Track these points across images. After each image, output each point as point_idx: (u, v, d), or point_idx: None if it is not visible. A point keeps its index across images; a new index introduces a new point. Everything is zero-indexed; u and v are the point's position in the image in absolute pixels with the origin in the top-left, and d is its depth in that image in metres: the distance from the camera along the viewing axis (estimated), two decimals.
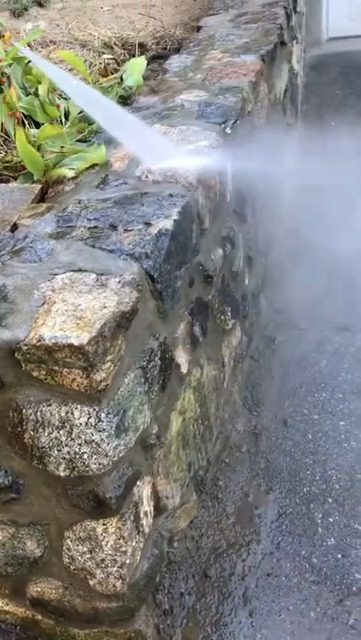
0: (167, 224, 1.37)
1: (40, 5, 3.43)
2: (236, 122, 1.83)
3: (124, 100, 2.05)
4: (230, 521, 1.71)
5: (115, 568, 1.25)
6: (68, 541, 1.27)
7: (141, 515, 1.33)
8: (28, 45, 2.36)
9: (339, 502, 1.73)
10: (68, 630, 1.41)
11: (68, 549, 1.28)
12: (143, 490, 1.33)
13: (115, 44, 2.52)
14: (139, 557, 1.32)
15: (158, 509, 1.46)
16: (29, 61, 1.91)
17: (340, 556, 1.59)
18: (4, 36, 2.00)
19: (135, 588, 1.33)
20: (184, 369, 1.50)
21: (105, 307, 1.12)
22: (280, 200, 2.74)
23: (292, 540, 1.64)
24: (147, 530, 1.36)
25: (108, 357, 1.10)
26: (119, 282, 1.20)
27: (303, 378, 2.19)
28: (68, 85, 1.65)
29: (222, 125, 1.77)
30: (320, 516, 1.70)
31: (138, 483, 1.30)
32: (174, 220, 1.39)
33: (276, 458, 1.89)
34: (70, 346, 1.04)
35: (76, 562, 1.29)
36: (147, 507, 1.36)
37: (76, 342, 1.04)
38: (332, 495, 1.75)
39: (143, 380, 1.25)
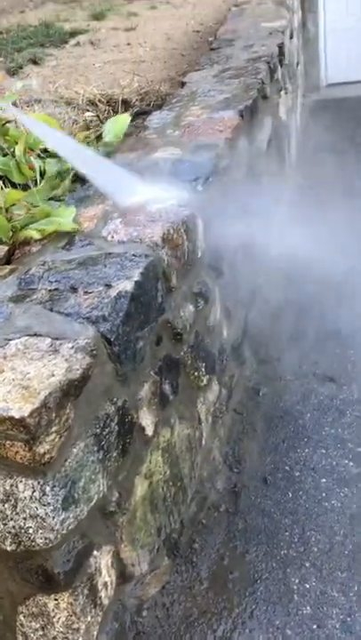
0: (127, 285, 1.36)
1: (35, 63, 3.53)
2: (208, 179, 1.84)
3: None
4: (204, 586, 1.65)
5: None
6: (22, 617, 1.23)
7: (99, 586, 1.28)
8: (14, 104, 2.42)
9: (316, 567, 1.66)
10: None
11: (21, 625, 1.24)
12: (102, 560, 1.29)
13: (99, 100, 2.58)
14: (95, 633, 1.26)
15: (123, 578, 1.41)
16: (5, 122, 1.95)
17: (315, 626, 1.52)
18: None
19: None
20: (149, 431, 1.47)
21: (53, 375, 1.11)
22: (263, 253, 2.74)
23: (266, 609, 1.58)
24: (106, 602, 1.31)
25: (53, 429, 1.07)
26: (72, 347, 1.19)
27: (286, 432, 2.15)
28: (50, 138, 1.73)
29: (193, 183, 1.79)
30: (296, 581, 1.63)
31: (94, 553, 1.26)
32: (135, 282, 1.38)
33: (254, 518, 1.84)
34: (11, 418, 1.02)
35: (29, 639, 1.24)
36: (107, 577, 1.31)
37: (17, 415, 1.02)
38: (310, 559, 1.68)
39: (97, 448, 1.22)
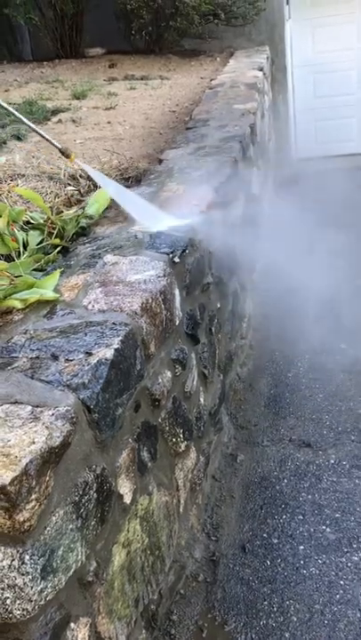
0: (107, 353, 1.41)
1: (18, 139, 3.68)
2: (184, 251, 1.93)
3: (83, 231, 2.16)
4: None
5: None
6: None
7: None
8: None
9: (296, 637, 1.64)
10: None
11: None
12: (79, 633, 1.27)
13: (80, 175, 2.70)
14: None
15: None
16: None
17: None
18: None
19: None
20: (127, 499, 1.48)
21: (34, 442, 1.13)
22: (237, 319, 2.82)
23: None
24: None
25: (33, 496, 1.09)
26: (53, 414, 1.21)
27: (264, 499, 2.15)
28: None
29: (170, 255, 1.87)
30: None
31: (71, 626, 1.24)
32: (115, 349, 1.43)
33: (233, 587, 1.82)
34: None
35: None
36: None
37: None
38: (290, 629, 1.67)
39: (75, 516, 1.23)
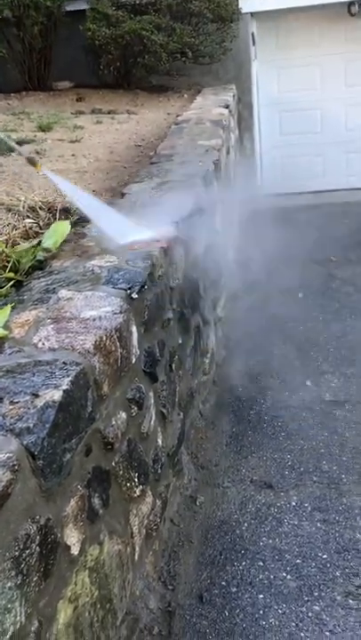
0: (55, 395, 1.33)
1: None
2: (143, 287, 1.88)
3: (40, 264, 2.10)
4: None
5: None
6: None
7: None
8: None
9: None
10: None
11: None
12: None
13: (40, 207, 2.65)
14: None
15: None
16: None
17: None
18: None
19: None
20: (75, 550, 1.39)
21: None
22: (203, 351, 2.78)
23: None
24: None
25: None
26: None
27: (223, 543, 2.08)
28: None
29: (128, 291, 1.82)
30: None
31: None
32: (64, 390, 1.36)
33: None
34: None
35: None
36: None
37: None
38: None
39: (15, 572, 1.13)
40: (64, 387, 1.37)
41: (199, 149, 3.61)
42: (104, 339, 1.60)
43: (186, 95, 6.29)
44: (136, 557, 1.81)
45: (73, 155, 3.87)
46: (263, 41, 6.78)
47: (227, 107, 5.15)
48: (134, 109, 5.61)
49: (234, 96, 6.08)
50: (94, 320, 1.65)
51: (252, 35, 6.67)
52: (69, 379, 1.40)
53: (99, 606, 1.53)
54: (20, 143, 4.19)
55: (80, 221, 2.58)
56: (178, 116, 5.05)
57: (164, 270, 2.15)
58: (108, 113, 5.38)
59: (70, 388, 1.38)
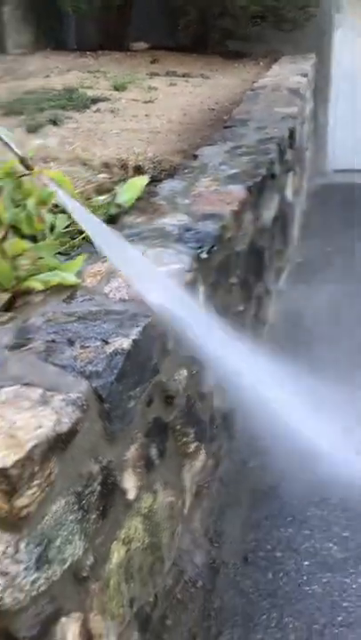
0: (124, 343, 1.36)
1: (55, 124, 3.66)
2: (212, 248, 1.87)
3: (112, 219, 2.12)
4: None
5: None
6: None
7: None
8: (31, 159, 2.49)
9: None
10: None
11: None
12: (69, 629, 1.22)
13: (114, 164, 2.66)
14: None
15: None
16: (21, 176, 2.00)
17: None
18: None
19: None
20: (131, 495, 1.43)
21: (41, 426, 1.09)
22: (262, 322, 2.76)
23: None
24: None
25: (35, 482, 1.04)
26: (63, 400, 1.17)
27: (271, 509, 2.09)
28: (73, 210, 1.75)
29: (198, 250, 1.82)
30: None
31: (62, 620, 1.19)
32: (133, 340, 1.38)
33: (231, 597, 1.76)
34: None
35: None
36: None
37: None
38: None
39: (77, 507, 1.18)
40: (133, 336, 1.39)
41: (275, 116, 3.53)
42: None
43: (262, 62, 6.14)
44: (185, 512, 1.85)
45: (146, 115, 3.86)
46: (349, 9, 6.51)
47: (305, 76, 5.01)
48: (209, 74, 5.52)
49: (313, 66, 5.89)
50: (164, 275, 1.67)
51: (337, 2, 6.42)
52: (138, 329, 1.42)
53: (148, 553, 1.57)
54: (94, 100, 4.21)
55: (152, 181, 2.58)
56: (254, 82, 4.94)
57: (232, 234, 2.14)
58: (183, 76, 5.32)
59: (139, 339, 1.40)
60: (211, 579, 1.82)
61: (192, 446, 1.82)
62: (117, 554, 1.40)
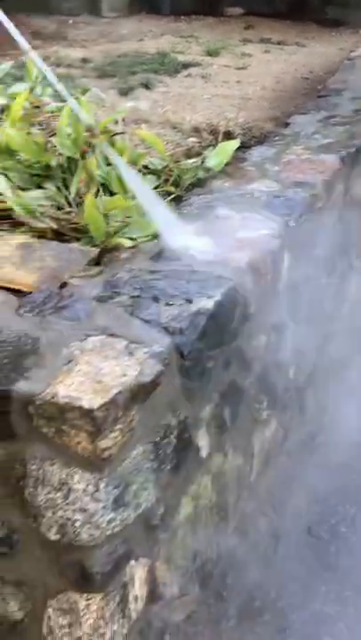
0: (208, 304, 1.38)
1: (146, 87, 3.67)
2: (301, 216, 1.84)
3: (200, 182, 2.12)
4: (231, 624, 1.60)
5: None
6: (50, 610, 1.23)
7: (130, 598, 1.26)
8: (123, 121, 2.52)
9: (350, 629, 1.58)
10: None
11: (48, 618, 1.23)
12: (136, 572, 1.28)
13: (203, 129, 2.65)
14: None
15: (152, 596, 1.39)
16: (114, 135, 2.03)
17: None
18: None
19: None
20: (204, 453, 1.46)
21: (125, 375, 1.13)
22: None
23: None
24: (134, 615, 1.29)
25: (118, 426, 1.08)
26: (146, 352, 1.20)
27: (337, 486, 2.08)
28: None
29: (286, 217, 1.79)
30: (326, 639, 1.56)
31: (131, 563, 1.25)
32: (216, 301, 1.39)
33: (292, 566, 1.78)
34: (80, 408, 1.04)
35: (54, 634, 1.23)
36: (137, 591, 1.30)
37: (86, 405, 1.04)
38: (344, 620, 1.61)
39: (153, 456, 1.22)
40: (216, 298, 1.40)
41: None
42: (257, 260, 1.60)
43: None
44: (252, 477, 1.86)
45: (238, 82, 3.79)
46: None
47: None
48: (304, 42, 5.34)
49: None
50: (250, 241, 1.66)
51: None
52: (222, 291, 1.43)
53: (215, 511, 1.61)
54: (186, 65, 4.18)
55: (241, 147, 2.55)
56: (351, 51, 4.75)
57: (323, 204, 2.09)
58: (278, 43, 5.17)
59: (222, 300, 1.41)
60: (273, 545, 1.84)
61: (264, 414, 1.83)
62: (186, 508, 1.44)
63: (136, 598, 1.29)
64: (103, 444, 1.06)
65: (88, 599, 1.17)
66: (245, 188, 1.99)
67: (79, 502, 1.08)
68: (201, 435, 1.43)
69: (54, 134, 2.17)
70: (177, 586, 1.48)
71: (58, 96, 2.54)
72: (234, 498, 1.72)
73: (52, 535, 1.12)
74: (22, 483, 1.15)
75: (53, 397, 1.06)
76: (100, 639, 1.18)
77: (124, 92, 3.52)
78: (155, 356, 1.20)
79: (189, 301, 1.38)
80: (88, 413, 1.03)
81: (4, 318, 1.31)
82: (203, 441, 1.45)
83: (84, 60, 4.25)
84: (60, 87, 1.96)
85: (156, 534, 1.33)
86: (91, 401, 1.04)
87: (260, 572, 1.76)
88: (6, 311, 1.35)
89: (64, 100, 2.14)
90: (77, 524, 1.09)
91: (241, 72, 4.04)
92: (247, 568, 1.75)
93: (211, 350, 1.40)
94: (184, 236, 1.62)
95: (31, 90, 2.50)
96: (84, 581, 1.15)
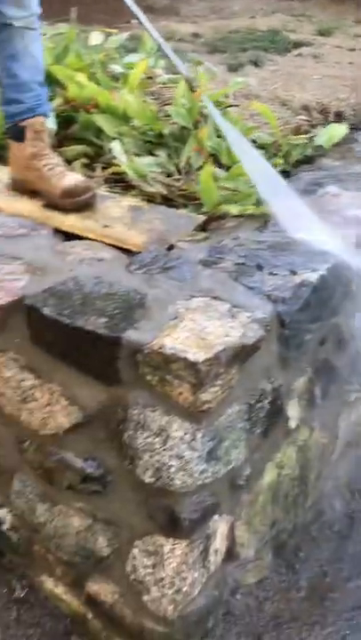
0: (312, 277, 1.39)
1: (255, 65, 3.65)
2: None
3: (307, 159, 2.11)
4: (300, 595, 1.62)
5: (171, 591, 1.25)
6: (136, 550, 1.30)
7: (211, 550, 1.32)
8: (232, 96, 2.54)
9: None
10: (112, 638, 1.42)
11: (133, 557, 1.31)
12: (219, 526, 1.33)
13: (313, 108, 2.62)
14: (197, 591, 1.30)
15: (230, 554, 1.44)
16: (227, 106, 2.05)
17: None
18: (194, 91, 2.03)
19: (185, 621, 1.31)
20: (293, 424, 1.48)
21: (228, 335, 1.16)
22: None
23: (359, 638, 1.52)
24: (212, 568, 1.34)
25: (218, 382, 1.13)
26: (249, 317, 1.23)
27: None
28: (233, 139, 1.73)
29: None
30: None
31: (215, 517, 1.30)
32: (320, 275, 1.40)
33: None
34: (185, 360, 1.09)
35: (137, 572, 1.31)
36: (218, 545, 1.35)
37: (191, 358, 1.09)
38: None
39: (247, 417, 1.26)
40: (321, 272, 1.41)
41: None
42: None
43: None
44: (334, 458, 1.86)
45: (350, 63, 3.70)
46: None
47: None
48: None
49: None
50: (359, 219, 1.65)
51: None
52: (327, 265, 1.44)
53: (296, 483, 1.63)
54: (297, 44, 4.11)
55: (353, 128, 2.51)
56: None
57: None
58: None
59: (326, 275, 1.42)
60: (348, 526, 1.84)
61: (353, 396, 1.82)
62: (270, 474, 1.47)
63: (216, 552, 1.34)
64: (204, 396, 1.11)
65: (174, 544, 1.23)
66: (355, 168, 1.97)
67: (176, 449, 1.14)
68: (292, 405, 1.45)
69: (166, 104, 2.22)
70: (253, 549, 1.53)
71: (170, 68, 2.60)
72: (315, 474, 1.73)
73: (147, 478, 1.19)
74: (122, 426, 1.21)
75: (160, 348, 1.12)
76: (181, 582, 1.24)
77: (234, 68, 3.52)
78: (257, 321, 1.23)
79: (293, 272, 1.40)
80: (192, 366, 1.08)
81: (115, 274, 1.38)
82: (293, 411, 1.47)
83: (195, 35, 4.28)
84: (175, 58, 2.01)
85: (239, 494, 1.37)
86: (196, 354, 1.09)
87: (334, 550, 1.77)
88: (117, 268, 1.42)
89: (176, 73, 2.19)
90: (172, 469, 1.15)
91: (353, 53, 3.93)
92: (320, 545, 1.77)
93: (310, 323, 1.41)
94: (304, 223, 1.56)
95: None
96: (172, 526, 1.21)
